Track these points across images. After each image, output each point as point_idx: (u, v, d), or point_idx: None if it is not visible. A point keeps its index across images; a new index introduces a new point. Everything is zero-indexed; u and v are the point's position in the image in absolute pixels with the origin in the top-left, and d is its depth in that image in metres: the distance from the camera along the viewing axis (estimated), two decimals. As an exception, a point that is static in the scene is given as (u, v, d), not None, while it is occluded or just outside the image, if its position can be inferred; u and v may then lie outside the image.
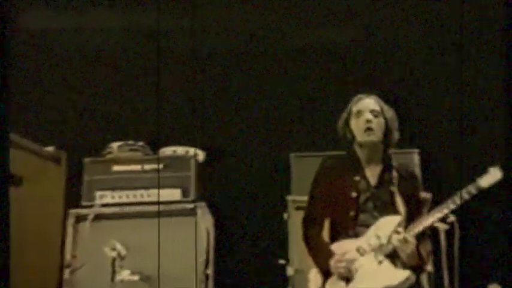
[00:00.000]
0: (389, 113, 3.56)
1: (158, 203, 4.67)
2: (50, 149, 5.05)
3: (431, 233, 3.51)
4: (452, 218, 4.14)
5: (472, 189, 3.41)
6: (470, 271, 4.57)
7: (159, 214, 4.59)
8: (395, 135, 3.56)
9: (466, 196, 3.39)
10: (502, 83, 4.47)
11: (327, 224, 3.52)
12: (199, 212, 4.77)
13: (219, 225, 4.99)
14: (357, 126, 3.52)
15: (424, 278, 4.46)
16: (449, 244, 4.16)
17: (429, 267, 4.54)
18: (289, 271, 4.78)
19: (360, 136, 3.51)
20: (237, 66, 5.48)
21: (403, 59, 5.32)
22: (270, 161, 5.29)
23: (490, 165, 3.44)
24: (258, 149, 5.38)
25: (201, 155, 5.11)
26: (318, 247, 3.48)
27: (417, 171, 4.71)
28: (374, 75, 5.26)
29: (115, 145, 5.07)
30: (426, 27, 5.32)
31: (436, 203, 4.15)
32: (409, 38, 5.34)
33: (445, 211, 3.41)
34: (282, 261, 4.78)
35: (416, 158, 4.87)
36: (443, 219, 4.06)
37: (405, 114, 4.69)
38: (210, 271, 4.77)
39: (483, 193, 3.43)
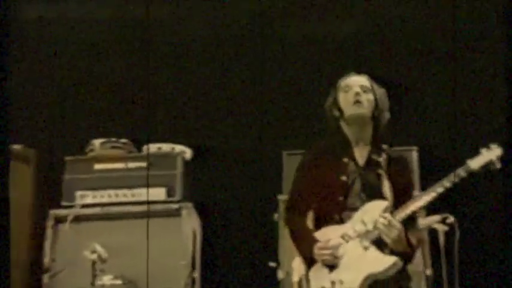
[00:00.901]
0: (380, 91, 3.47)
1: (148, 202, 4.60)
2: (18, 147, 4.90)
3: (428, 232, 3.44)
4: (451, 219, 4.10)
5: (461, 172, 3.26)
6: (471, 274, 4.55)
7: (148, 215, 4.51)
8: (386, 114, 3.46)
9: (455, 179, 3.25)
10: (502, 76, 4.73)
11: (311, 210, 3.44)
12: (184, 212, 4.69)
13: (206, 227, 4.94)
14: (345, 100, 3.43)
15: (422, 281, 4.45)
16: (449, 246, 4.13)
17: (428, 271, 4.49)
18: (280, 274, 4.67)
19: (348, 109, 3.41)
20: (226, 60, 5.41)
21: (399, 55, 5.29)
22: (261, 159, 5.20)
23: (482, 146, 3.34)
24: (249, 146, 5.28)
25: (188, 153, 5.02)
26: (301, 234, 3.40)
27: (416, 169, 4.67)
28: (370, 72, 5.02)
29: (97, 142, 4.99)
30: (420, 22, 5.28)
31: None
32: (404, 33, 5.30)
33: (433, 194, 3.25)
34: (272, 264, 4.69)
35: (415, 156, 4.78)
36: (442, 221, 4.13)
37: (404, 111, 4.91)
38: (196, 274, 4.70)
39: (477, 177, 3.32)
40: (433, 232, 4.25)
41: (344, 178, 3.35)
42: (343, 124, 3.45)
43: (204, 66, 5.42)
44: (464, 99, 4.99)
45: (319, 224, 3.40)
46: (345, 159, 3.39)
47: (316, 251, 3.28)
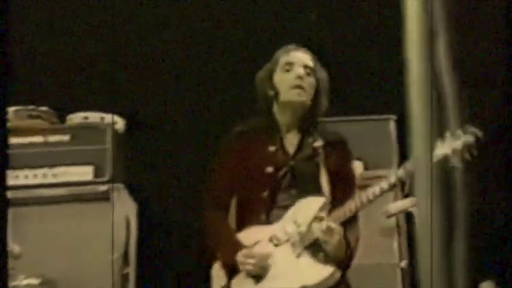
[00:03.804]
0: (322, 74, 3.26)
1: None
2: None
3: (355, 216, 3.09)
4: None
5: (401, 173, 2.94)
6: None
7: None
8: (324, 102, 3.23)
9: (395, 181, 2.96)
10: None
11: (233, 208, 3.22)
12: (115, 195, 4.29)
13: (142, 213, 4.58)
14: (284, 81, 3.15)
15: (396, 276, 4.15)
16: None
17: (403, 263, 4.16)
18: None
19: (286, 94, 3.14)
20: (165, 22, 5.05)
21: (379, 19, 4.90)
22: (208, 133, 4.80)
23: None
24: (194, 118, 4.96)
25: (120, 123, 4.58)
26: (222, 236, 3.15)
27: (393, 141, 4.37)
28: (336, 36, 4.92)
29: (11, 110, 4.44)
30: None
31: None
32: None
33: (377, 192, 2.96)
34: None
35: (392, 126, 4.42)
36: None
37: (380, 75, 4.64)
38: (130, 270, 4.36)
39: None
40: (408, 217, 4.03)
41: (270, 170, 3.10)
42: (275, 105, 3.19)
43: (142, 26, 5.05)
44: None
45: (242, 223, 3.14)
46: (272, 148, 3.14)
47: (240, 259, 3.01)
